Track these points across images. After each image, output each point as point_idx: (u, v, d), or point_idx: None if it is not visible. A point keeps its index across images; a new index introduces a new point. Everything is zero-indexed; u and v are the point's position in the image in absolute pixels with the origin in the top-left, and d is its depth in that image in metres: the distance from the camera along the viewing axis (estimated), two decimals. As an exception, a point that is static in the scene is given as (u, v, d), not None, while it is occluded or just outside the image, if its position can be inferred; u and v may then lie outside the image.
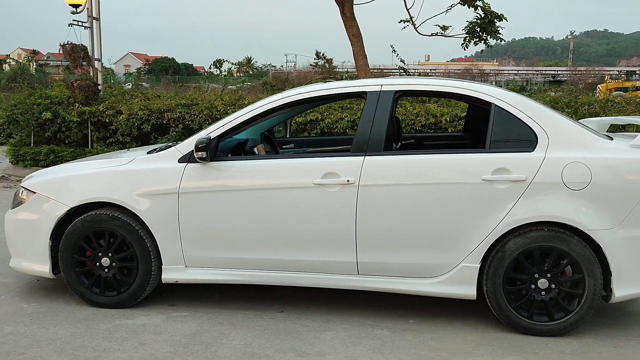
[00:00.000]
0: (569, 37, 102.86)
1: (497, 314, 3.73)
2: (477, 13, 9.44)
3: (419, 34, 10.16)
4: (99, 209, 4.03)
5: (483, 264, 3.71)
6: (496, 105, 3.78)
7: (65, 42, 10.03)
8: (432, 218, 3.69)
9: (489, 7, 9.25)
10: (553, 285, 3.65)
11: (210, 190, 3.87)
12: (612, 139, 3.93)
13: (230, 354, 3.42)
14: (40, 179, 4.24)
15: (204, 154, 3.76)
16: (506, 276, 3.66)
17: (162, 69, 73.15)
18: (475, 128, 4.88)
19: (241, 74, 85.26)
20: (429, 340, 3.64)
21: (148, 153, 4.20)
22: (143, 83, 48.98)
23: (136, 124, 9.60)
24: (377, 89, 3.92)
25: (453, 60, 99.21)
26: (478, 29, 9.48)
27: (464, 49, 9.96)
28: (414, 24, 10.14)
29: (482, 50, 10.05)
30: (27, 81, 30.18)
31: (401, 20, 10.19)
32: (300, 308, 4.11)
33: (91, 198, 3.99)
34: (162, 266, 3.99)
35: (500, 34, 9.53)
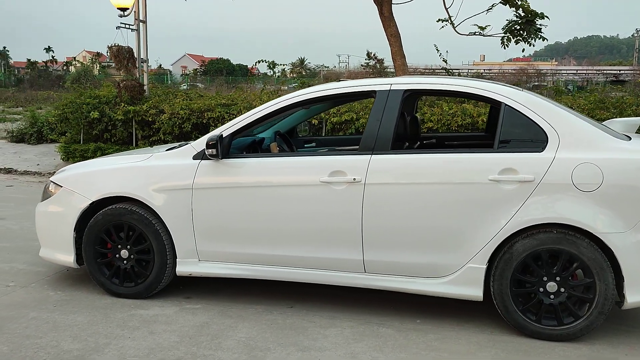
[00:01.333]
0: (635, 35, 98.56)
1: (504, 316, 3.68)
2: (516, 13, 9.23)
3: (458, 33, 10.03)
4: (119, 203, 4.21)
5: (490, 266, 3.67)
6: (506, 105, 3.72)
7: (112, 44, 10.43)
8: (437, 218, 3.67)
9: (528, 7, 9.02)
10: (562, 289, 3.56)
11: (222, 187, 3.98)
12: (630, 139, 3.81)
13: (234, 345, 3.52)
14: (67, 173, 4.46)
15: (214, 151, 3.88)
16: (513, 278, 3.61)
17: (217, 70, 74.62)
18: (494, 127, 4.80)
19: (294, 75, 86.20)
20: (432, 340, 3.62)
21: (167, 150, 4.35)
22: (198, 84, 50.18)
23: (177, 123, 9.89)
24: (387, 88, 3.94)
25: (510, 60, 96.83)
26: (518, 28, 9.27)
27: (504, 49, 9.76)
28: (452, 23, 10.02)
29: (523, 50, 9.81)
30: (89, 82, 31.42)
31: (439, 20, 10.09)
32: (310, 304, 4.17)
33: (111, 192, 4.17)
34: (177, 259, 4.13)
35: (541, 32, 9.28)
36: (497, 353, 3.46)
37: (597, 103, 9.05)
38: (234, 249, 4.03)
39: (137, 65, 10.79)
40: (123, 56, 10.39)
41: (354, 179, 3.76)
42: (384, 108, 3.88)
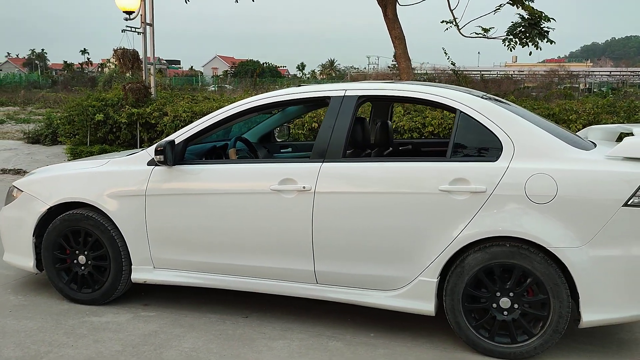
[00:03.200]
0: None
1: (456, 332, 3.53)
2: (519, 14, 8.99)
3: (462, 35, 9.81)
4: (78, 208, 4.19)
5: (442, 279, 3.52)
6: (461, 112, 3.57)
7: (118, 47, 10.52)
8: (387, 229, 3.54)
9: (532, 9, 8.75)
10: (516, 305, 3.40)
11: (173, 193, 3.93)
12: (595, 146, 3.63)
13: (175, 356, 3.45)
14: (28, 178, 4.48)
15: (162, 158, 3.83)
16: (465, 293, 3.45)
17: (247, 72, 75.19)
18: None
19: (324, 76, 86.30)
20: (380, 355, 3.50)
21: (126, 156, 4.31)
22: (226, 85, 50.57)
23: (180, 126, 9.90)
24: (341, 94, 3.82)
25: (543, 61, 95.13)
26: (522, 30, 9.01)
27: (510, 51, 9.51)
28: (457, 25, 9.81)
29: (530, 53, 9.56)
30: (122, 83, 32.01)
31: (443, 21, 9.90)
32: (266, 315, 4.08)
33: (67, 198, 4.16)
34: (132, 266, 4.09)
35: (547, 35, 9.00)
36: (443, 371, 3.32)
37: (606, 107, 8.74)
38: (186, 256, 3.97)
39: (142, 68, 10.86)
40: (128, 59, 10.46)
41: (304, 187, 3.66)
42: (337, 114, 3.76)
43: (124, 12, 10.54)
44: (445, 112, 8.27)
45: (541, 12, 8.89)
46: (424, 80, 17.62)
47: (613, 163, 3.30)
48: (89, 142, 10.87)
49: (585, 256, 3.24)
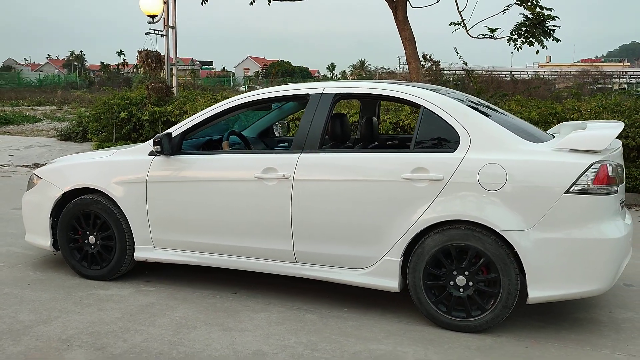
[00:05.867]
0: None
1: (418, 307, 3.90)
2: (523, 14, 9.21)
3: (470, 36, 10.08)
4: (88, 194, 4.69)
5: (406, 259, 3.89)
6: (424, 107, 3.94)
7: (142, 49, 11.12)
8: (356, 213, 3.93)
9: (534, 9, 8.98)
10: (470, 283, 3.75)
11: (170, 181, 4.39)
12: (552, 138, 3.96)
13: (166, 323, 3.91)
14: (47, 167, 5.01)
15: (158, 148, 4.30)
16: (426, 271, 3.82)
17: (278, 72, 75.84)
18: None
19: (354, 76, 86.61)
20: (348, 327, 3.88)
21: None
22: (257, 85, 51.28)
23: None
24: (319, 91, 4.22)
25: (578, 62, 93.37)
26: (527, 29, 9.24)
27: (517, 50, 9.74)
28: (465, 27, 10.08)
29: (537, 52, 9.75)
30: (182, 85, 32.84)
31: (452, 23, 10.17)
32: (253, 291, 4.51)
33: (79, 184, 4.67)
34: (135, 246, 4.57)
35: (553, 32, 9.20)
36: (402, 340, 3.68)
37: (611, 107, 8.91)
38: (181, 237, 4.43)
39: (165, 69, 11.44)
40: (151, 60, 11.05)
41: (284, 175, 4.07)
42: (316, 110, 4.17)
43: (147, 15, 11.13)
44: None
45: (546, 11, 9.09)
46: (440, 81, 17.82)
47: (558, 154, 3.62)
48: (114, 138, 11.50)
49: (531, 238, 3.57)
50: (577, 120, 8.46)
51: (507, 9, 10.01)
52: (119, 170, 4.58)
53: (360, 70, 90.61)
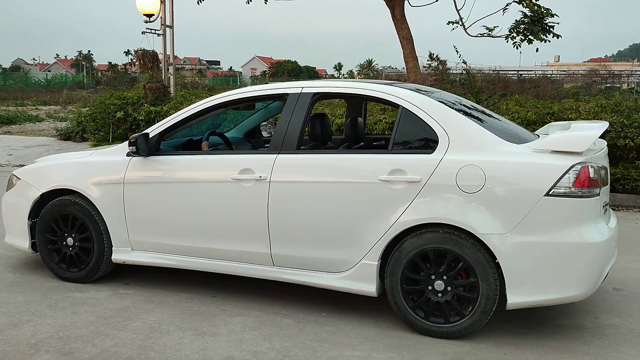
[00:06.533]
0: None
1: (396, 312, 3.80)
2: (521, 11, 9.08)
3: (469, 35, 9.95)
4: (67, 195, 4.63)
5: (384, 263, 3.79)
6: (403, 107, 3.84)
7: (138, 49, 11.08)
8: (333, 215, 3.84)
9: (532, 6, 8.85)
10: (449, 288, 3.65)
11: (147, 182, 4.32)
12: (536, 138, 3.86)
13: (139, 327, 3.83)
14: (26, 167, 4.95)
15: (134, 149, 4.22)
16: (404, 276, 3.72)
17: (285, 72, 75.83)
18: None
19: (362, 76, 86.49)
20: (324, 332, 3.79)
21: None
22: (263, 85, 51.17)
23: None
24: (298, 91, 4.13)
25: (588, 61, 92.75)
26: (525, 27, 9.11)
27: (516, 49, 9.61)
28: (463, 25, 9.96)
29: (537, 49, 9.60)
30: (180, 84, 32.92)
31: (449, 22, 10.05)
32: (232, 294, 4.43)
33: (57, 185, 4.60)
34: (113, 248, 4.50)
35: (552, 29, 9.07)
36: (377, 347, 3.59)
37: (610, 106, 8.76)
38: (159, 239, 4.35)
39: (161, 68, 11.39)
40: (147, 59, 11.00)
41: (260, 176, 3.98)
42: (294, 110, 4.08)
43: (144, 14, 11.09)
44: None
45: (545, 8, 8.96)
46: (447, 81, 17.68)
47: (538, 155, 3.51)
48: (111, 138, 11.47)
49: (509, 242, 3.47)
50: (575, 119, 8.33)
51: (506, 8, 9.88)
52: (96, 171, 4.51)
53: (368, 70, 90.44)
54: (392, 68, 76.81)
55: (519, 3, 9.66)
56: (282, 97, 4.24)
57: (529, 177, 3.47)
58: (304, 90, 4.12)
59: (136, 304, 4.25)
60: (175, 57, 12.12)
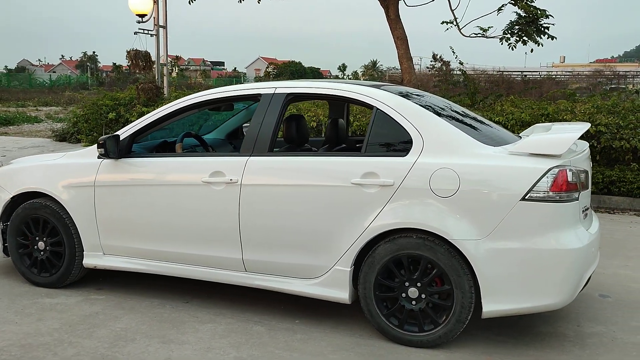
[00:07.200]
0: None
1: (369, 320, 3.67)
2: (516, 12, 8.95)
3: (463, 35, 9.82)
4: (39, 197, 4.52)
5: (357, 269, 3.67)
6: (377, 109, 3.72)
7: (131, 49, 10.99)
8: (304, 219, 3.72)
9: (527, 7, 8.70)
10: (423, 295, 3.52)
11: (118, 184, 4.21)
12: (517, 140, 3.73)
13: (105, 335, 3.72)
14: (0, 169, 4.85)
15: (102, 151, 4.11)
16: (377, 282, 3.59)
17: (290, 73, 75.82)
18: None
19: (366, 77, 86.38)
20: (295, 340, 3.67)
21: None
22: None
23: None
24: (271, 91, 4.02)
25: (594, 62, 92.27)
26: (520, 28, 8.97)
27: (512, 50, 9.46)
28: (457, 25, 9.83)
29: (532, 50, 9.46)
30: (174, 85, 32.90)
31: (444, 22, 9.92)
32: (205, 300, 4.31)
33: (26, 188, 4.50)
34: (84, 252, 4.39)
35: (547, 30, 8.93)
36: (348, 356, 3.46)
37: (607, 107, 8.61)
38: (130, 244, 4.24)
39: (153, 68, 11.30)
40: (140, 59, 10.91)
41: (231, 179, 3.87)
42: (266, 111, 3.96)
43: (136, 15, 11.00)
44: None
45: (540, 9, 8.82)
46: (450, 82, 17.52)
47: (515, 159, 3.38)
48: (104, 139, 11.37)
49: (484, 248, 3.33)
50: (570, 121, 8.18)
51: (501, 9, 9.74)
52: (67, 173, 4.40)
53: (372, 71, 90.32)
54: (397, 69, 76.59)
55: (514, 4, 9.51)
56: (255, 98, 4.12)
57: (505, 181, 3.34)
58: (277, 91, 4.00)
59: (106, 310, 4.13)
60: (179, 58, 12.06)
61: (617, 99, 9.13)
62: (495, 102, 9.64)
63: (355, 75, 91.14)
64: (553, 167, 3.28)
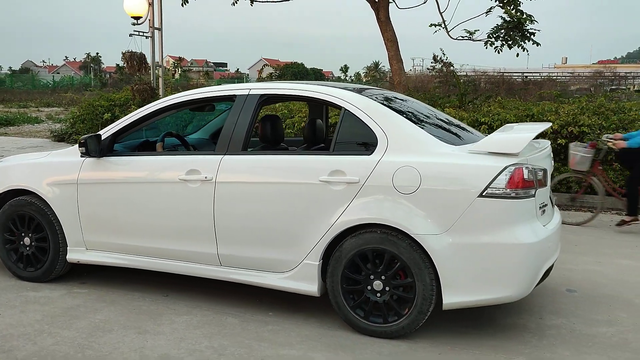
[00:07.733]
0: None
1: (337, 312, 3.82)
2: (501, 16, 9.08)
3: (451, 37, 9.95)
4: (25, 195, 4.68)
5: (325, 263, 3.82)
6: (345, 109, 3.87)
7: (126, 51, 11.14)
8: (276, 215, 3.87)
9: (511, 12, 8.84)
10: (387, 288, 3.67)
11: (99, 182, 4.37)
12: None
13: (84, 326, 3.87)
14: (-13, 168, 5.01)
15: (83, 150, 4.28)
16: (344, 275, 3.74)
17: (292, 74, 75.91)
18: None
19: (368, 78, 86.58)
20: (266, 331, 3.82)
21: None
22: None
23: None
24: (245, 93, 4.17)
25: (596, 63, 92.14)
26: (505, 32, 9.10)
27: (498, 53, 9.59)
28: (445, 28, 9.96)
29: (517, 55, 9.59)
30: (170, 86, 33.13)
31: (432, 24, 10.06)
32: (183, 294, 4.47)
33: (12, 185, 4.66)
34: (67, 247, 4.55)
35: (533, 35, 9.06)
36: (315, 346, 3.61)
37: (592, 109, 8.74)
38: (111, 239, 4.40)
39: (149, 70, 11.45)
40: (135, 61, 11.06)
41: (206, 177, 4.02)
42: (240, 111, 4.11)
43: (131, 17, 11.14)
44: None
45: (526, 14, 8.94)
46: (451, 83, 17.66)
47: (473, 157, 3.53)
48: (100, 140, 11.55)
49: (444, 243, 3.48)
50: (554, 122, 8.30)
51: (490, 11, 9.88)
52: (51, 171, 4.57)
53: (374, 72, 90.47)
54: (399, 70, 76.71)
55: (502, 8, 9.65)
56: (230, 99, 4.28)
57: (464, 178, 3.48)
58: (251, 92, 4.16)
59: (87, 302, 4.29)
60: (182, 59, 12.18)
61: (603, 100, 9.26)
62: (483, 103, 9.78)
63: (357, 76, 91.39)
64: (510, 165, 3.42)
